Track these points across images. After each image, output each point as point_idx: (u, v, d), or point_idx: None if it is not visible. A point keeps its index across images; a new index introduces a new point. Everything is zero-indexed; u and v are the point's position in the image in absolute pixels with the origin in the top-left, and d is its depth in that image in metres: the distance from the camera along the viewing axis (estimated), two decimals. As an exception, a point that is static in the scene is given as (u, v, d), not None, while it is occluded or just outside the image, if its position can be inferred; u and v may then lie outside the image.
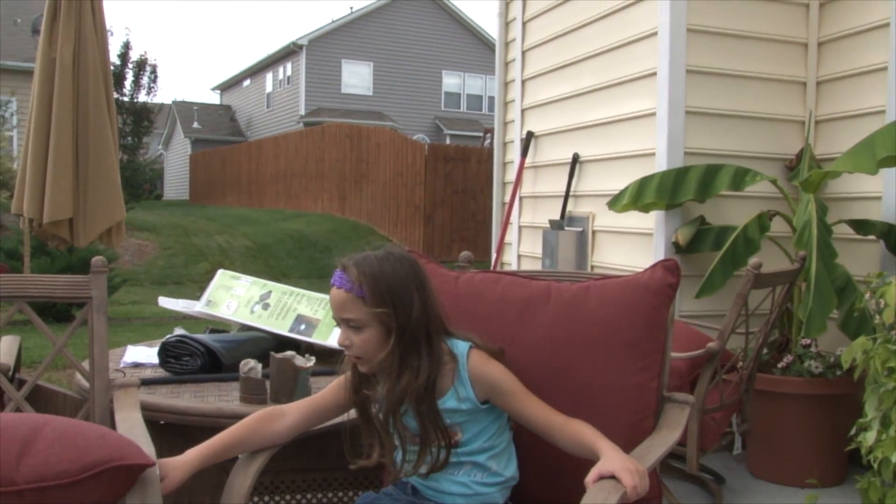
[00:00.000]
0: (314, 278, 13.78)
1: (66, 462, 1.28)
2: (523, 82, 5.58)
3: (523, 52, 5.57)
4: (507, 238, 5.80)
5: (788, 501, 3.33)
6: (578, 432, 1.60)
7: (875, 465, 2.65)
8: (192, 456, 1.62)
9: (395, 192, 15.63)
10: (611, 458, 1.49)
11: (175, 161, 34.97)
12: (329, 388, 1.77)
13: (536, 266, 5.21)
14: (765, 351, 3.42)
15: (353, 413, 1.75)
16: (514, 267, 5.73)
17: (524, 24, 5.56)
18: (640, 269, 4.07)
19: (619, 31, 4.36)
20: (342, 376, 1.76)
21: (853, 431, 2.83)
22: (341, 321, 1.62)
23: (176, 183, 34.23)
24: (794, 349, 3.58)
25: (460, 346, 1.67)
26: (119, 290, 9.76)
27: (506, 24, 6.02)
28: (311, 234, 16.25)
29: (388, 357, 1.60)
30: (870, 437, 2.70)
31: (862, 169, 3.08)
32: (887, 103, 3.59)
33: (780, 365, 3.52)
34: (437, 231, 14.77)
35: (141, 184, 19.22)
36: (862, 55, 3.75)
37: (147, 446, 1.55)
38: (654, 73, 3.98)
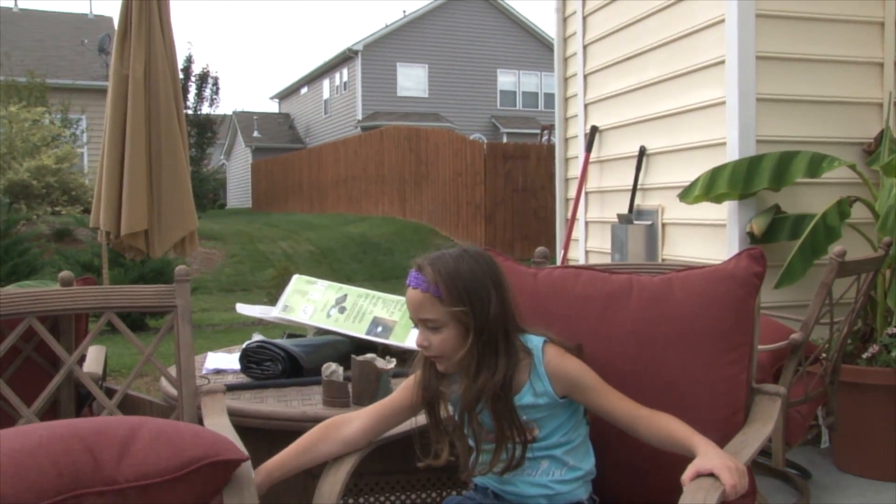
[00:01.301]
0: (378, 280, 13.88)
1: (166, 460, 1.31)
2: (585, 77, 5.53)
3: (584, 47, 5.52)
4: (574, 234, 5.75)
5: (878, 496, 3.22)
6: (669, 427, 1.57)
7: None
8: (265, 470, 1.63)
9: (455, 192, 15.65)
10: (708, 454, 1.45)
11: (237, 170, 35.64)
12: (399, 391, 1.77)
13: (606, 262, 5.15)
14: (848, 342, 3.32)
15: (422, 417, 1.74)
16: (582, 262, 5.68)
17: (584, 17, 5.50)
18: (715, 262, 4.01)
19: (684, 20, 4.29)
20: (410, 378, 1.75)
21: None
22: (419, 321, 1.62)
23: (238, 192, 34.88)
24: (879, 339, 3.46)
25: (534, 341, 1.66)
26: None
27: (564, 20, 5.97)
28: (374, 236, 16.38)
29: (467, 355, 1.59)
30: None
31: (947, 150, 2.98)
32: (971, 81, 3.46)
33: (864, 355, 3.42)
34: (498, 230, 14.74)
35: (206, 194, 19.63)
36: (942, 32, 3.61)
37: (239, 445, 1.57)
38: (723, 62, 3.90)
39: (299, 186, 24.95)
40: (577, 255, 5.74)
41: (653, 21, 4.61)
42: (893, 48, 3.88)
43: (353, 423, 1.73)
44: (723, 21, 3.89)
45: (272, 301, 10.15)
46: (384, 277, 14.03)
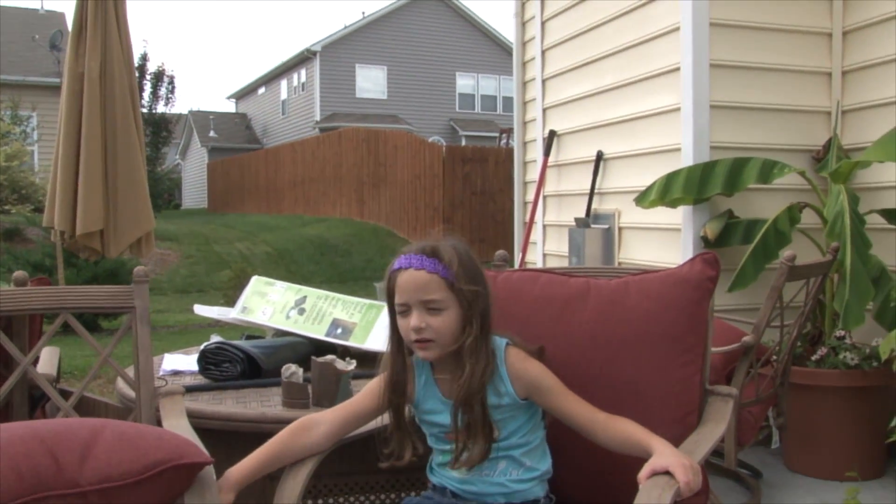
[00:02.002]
0: (335, 282, 13.82)
1: (128, 462, 1.30)
2: (544, 81, 5.58)
3: (543, 52, 5.57)
4: (532, 237, 5.80)
5: (827, 495, 3.31)
6: (626, 430, 1.60)
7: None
8: (234, 479, 1.61)
9: (413, 194, 15.66)
10: (663, 453, 1.49)
11: (192, 170, 35.20)
12: (363, 393, 1.77)
13: (563, 265, 5.20)
14: (798, 344, 3.40)
15: (385, 418, 1.75)
16: (539, 266, 5.73)
17: (543, 23, 5.56)
18: (670, 265, 4.07)
19: (640, 27, 4.36)
20: (374, 381, 1.75)
21: (893, 423, 2.81)
22: (419, 303, 1.60)
23: (194, 192, 34.45)
24: (827, 341, 3.55)
25: (498, 342, 1.68)
26: (144, 300, 9.81)
27: (523, 24, 6.03)
28: (331, 238, 16.30)
29: (473, 341, 1.61)
30: (909, 430, 2.68)
31: (892, 157, 3.07)
32: (915, 91, 3.57)
33: (813, 357, 3.50)
34: (456, 232, 14.59)
35: (160, 194, 19.35)
36: (887, 44, 3.72)
37: (201, 447, 1.56)
38: (678, 69, 3.97)
39: (256, 187, 24.73)
40: (535, 258, 5.79)
41: (610, 27, 4.68)
42: (840, 58, 3.99)
43: (320, 427, 1.72)
44: (677, 29, 3.96)
45: (228, 303, 10.04)
46: (342, 279, 13.97)
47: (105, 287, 2.00)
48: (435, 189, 14.78)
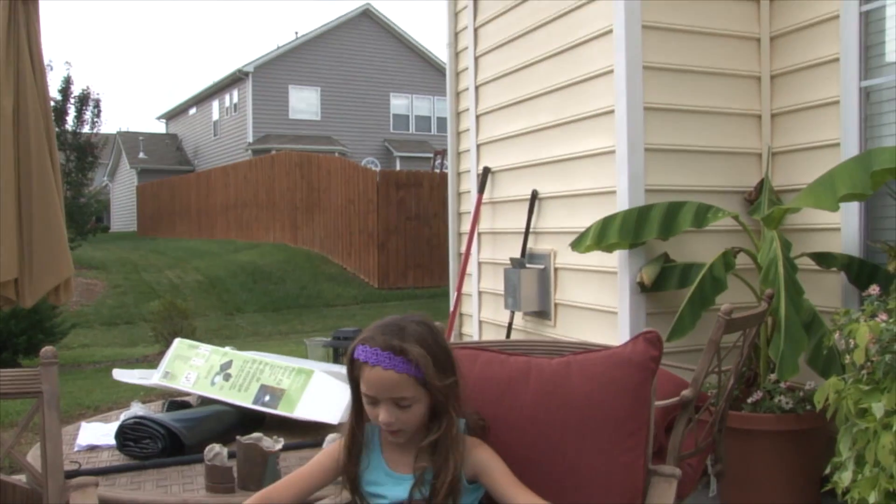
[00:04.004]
0: (269, 311, 13.57)
1: None
2: (478, 117, 5.55)
3: (477, 87, 5.54)
4: (468, 269, 5.73)
5: (766, 541, 3.30)
6: None
7: (852, 506, 2.64)
8: None
9: (347, 220, 15.51)
10: None
11: (121, 192, 34.34)
12: (315, 468, 1.70)
13: (499, 303, 5.15)
14: (734, 387, 3.40)
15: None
16: (475, 301, 5.67)
17: (476, 58, 5.53)
18: (608, 309, 4.02)
19: (575, 67, 4.35)
20: (325, 453, 1.71)
21: (828, 470, 2.81)
22: (388, 400, 1.57)
23: (123, 214, 33.59)
24: (762, 384, 3.57)
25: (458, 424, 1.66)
26: (68, 335, 9.46)
27: (456, 55, 6.00)
28: (265, 265, 16.02)
29: (453, 429, 1.59)
30: (845, 478, 2.68)
31: (823, 205, 3.10)
32: (841, 136, 3.63)
33: (749, 400, 3.51)
34: (391, 258, 14.68)
35: (87, 219, 18.74)
36: (814, 89, 3.78)
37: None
38: (612, 111, 3.96)
39: (187, 211, 24.22)
40: (471, 291, 5.73)
41: (544, 66, 4.66)
42: (769, 101, 4.04)
43: None
44: (611, 71, 3.96)
45: (157, 336, 9.73)
46: (275, 308, 13.73)
47: (7, 371, 1.85)
48: (369, 214, 14.67)
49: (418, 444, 1.62)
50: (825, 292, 3.70)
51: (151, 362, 7.78)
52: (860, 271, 3.48)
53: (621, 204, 3.88)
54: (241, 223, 20.54)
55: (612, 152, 3.97)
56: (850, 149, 3.55)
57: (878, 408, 2.52)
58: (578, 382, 1.72)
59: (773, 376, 3.48)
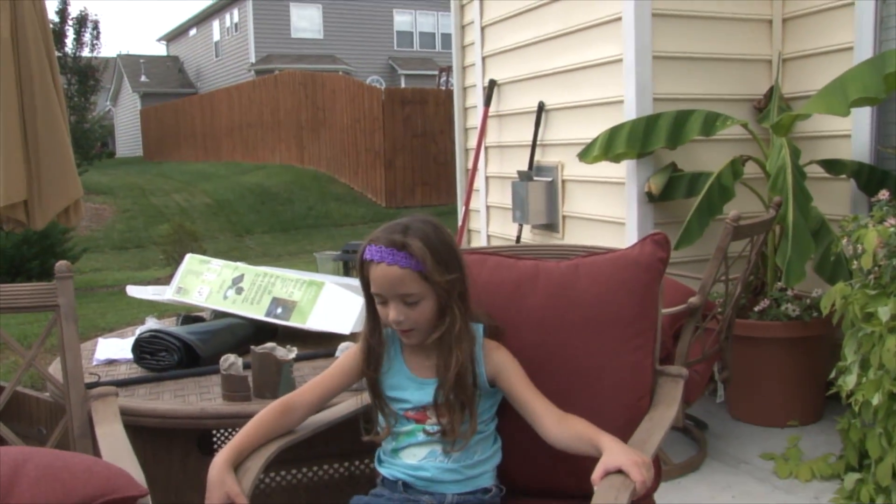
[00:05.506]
0: (278, 231, 13.63)
1: (54, 502, 1.21)
2: (483, 28, 5.44)
3: (481, -2, 5.42)
4: (475, 185, 5.72)
5: (770, 442, 3.38)
6: (575, 427, 1.58)
7: (856, 407, 2.69)
8: (225, 465, 1.57)
9: (353, 138, 15.41)
10: (615, 451, 1.46)
11: (125, 116, 34.08)
12: (335, 373, 1.74)
13: (507, 217, 5.15)
14: (741, 296, 3.43)
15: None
16: (482, 216, 5.67)
17: (481, -33, 5.39)
18: (616, 220, 4.02)
19: (581, -26, 4.24)
20: (346, 356, 1.74)
21: (833, 375, 2.86)
22: (396, 296, 1.59)
23: (128, 139, 33.42)
24: (769, 293, 3.59)
25: (475, 327, 1.69)
26: (80, 259, 9.55)
27: (460, -35, 5.85)
28: (272, 186, 16.00)
29: (458, 328, 1.61)
30: (850, 381, 2.73)
31: (834, 111, 3.06)
32: (854, 40, 3.56)
33: (756, 308, 3.54)
34: (398, 176, 14.63)
35: (92, 144, 18.67)
36: (828, -10, 3.69)
37: (134, 468, 1.48)
38: (620, 18, 3.89)
39: (192, 134, 24.07)
40: (478, 206, 5.73)
41: (550, -26, 4.55)
42: (781, 6, 3.95)
43: (298, 412, 1.71)
44: (619, -23, 3.87)
45: (168, 258, 9.80)
46: (284, 228, 13.78)
47: (26, 285, 1.88)
48: (375, 132, 14.56)
49: (438, 348, 1.64)
50: (834, 200, 3.69)
51: (164, 284, 7.89)
52: (870, 178, 3.47)
53: (629, 113, 3.84)
54: (246, 145, 20.43)
55: (620, 61, 3.91)
56: (864, 52, 3.48)
57: (884, 312, 2.55)
58: (586, 284, 1.74)
59: (779, 284, 3.51)
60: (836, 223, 3.21)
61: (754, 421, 3.59)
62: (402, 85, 26.08)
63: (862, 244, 2.68)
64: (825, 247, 3.30)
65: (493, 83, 5.28)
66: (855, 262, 2.77)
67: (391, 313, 1.60)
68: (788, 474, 3.08)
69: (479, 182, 5.66)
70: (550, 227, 4.69)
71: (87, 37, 18.26)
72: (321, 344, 2.50)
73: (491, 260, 1.86)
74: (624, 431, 1.59)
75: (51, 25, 5.13)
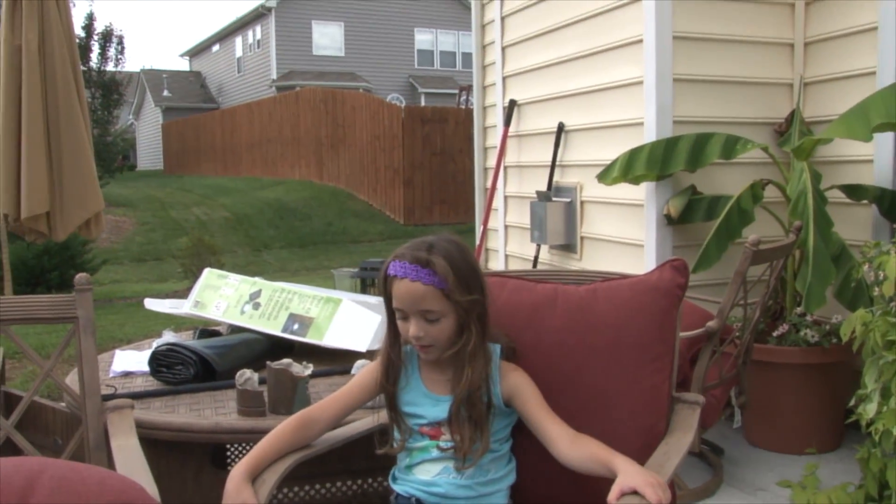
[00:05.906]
0: (296, 247, 13.68)
1: (69, 514, 1.21)
2: (503, 48, 5.46)
3: (503, 18, 5.45)
4: (494, 204, 5.73)
5: (787, 469, 3.34)
6: (589, 448, 1.58)
7: (876, 437, 2.65)
8: (244, 477, 1.58)
9: (373, 155, 15.47)
10: (630, 473, 1.45)
11: (147, 130, 34.42)
12: (354, 389, 1.76)
13: (525, 237, 5.15)
14: (760, 320, 3.40)
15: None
16: (501, 235, 5.67)
17: (502, -12, 5.42)
18: (635, 242, 4.01)
19: (603, -4, 4.25)
20: (365, 372, 1.76)
21: (853, 403, 2.82)
22: (417, 312, 1.61)
23: (149, 153, 33.73)
24: (788, 318, 3.56)
25: (492, 347, 1.70)
26: (99, 271, 9.63)
27: (482, -14, 5.88)
28: (291, 201, 16.08)
29: (473, 347, 1.63)
30: (870, 409, 2.69)
31: (856, 136, 3.03)
32: (878, 65, 3.54)
33: (775, 334, 3.51)
34: (417, 194, 14.67)
35: (114, 157, 18.86)
36: (850, 16, 3.68)
37: (148, 482, 1.48)
38: (641, 40, 3.89)
39: (213, 148, 24.27)
40: (496, 225, 5.73)
41: (571, -5, 4.57)
42: (803, 30, 3.94)
43: (318, 426, 1.72)
44: (640, 0, 3.87)
45: (186, 272, 9.86)
46: (302, 244, 13.83)
47: (44, 297, 1.90)
48: (395, 150, 14.62)
49: (453, 364, 1.66)
50: (855, 225, 3.66)
51: (181, 297, 7.93)
52: (892, 204, 3.43)
53: (649, 135, 3.83)
54: (266, 160, 20.56)
55: (640, 83, 3.91)
56: (887, 77, 3.46)
57: (905, 339, 2.51)
58: (605, 308, 1.73)
59: (799, 309, 3.47)
60: (857, 249, 3.18)
61: (771, 447, 3.55)
62: (422, 103, 26.19)
63: (883, 271, 2.64)
64: (846, 272, 3.27)
65: (513, 103, 5.29)
66: (876, 288, 2.74)
67: (411, 329, 1.62)
68: (806, 503, 3.03)
69: (498, 201, 5.66)
70: (568, 247, 4.69)
71: (111, 51, 18.49)
72: (337, 361, 2.50)
73: (511, 282, 1.86)
74: (640, 455, 1.58)
75: (77, 40, 5.21)
